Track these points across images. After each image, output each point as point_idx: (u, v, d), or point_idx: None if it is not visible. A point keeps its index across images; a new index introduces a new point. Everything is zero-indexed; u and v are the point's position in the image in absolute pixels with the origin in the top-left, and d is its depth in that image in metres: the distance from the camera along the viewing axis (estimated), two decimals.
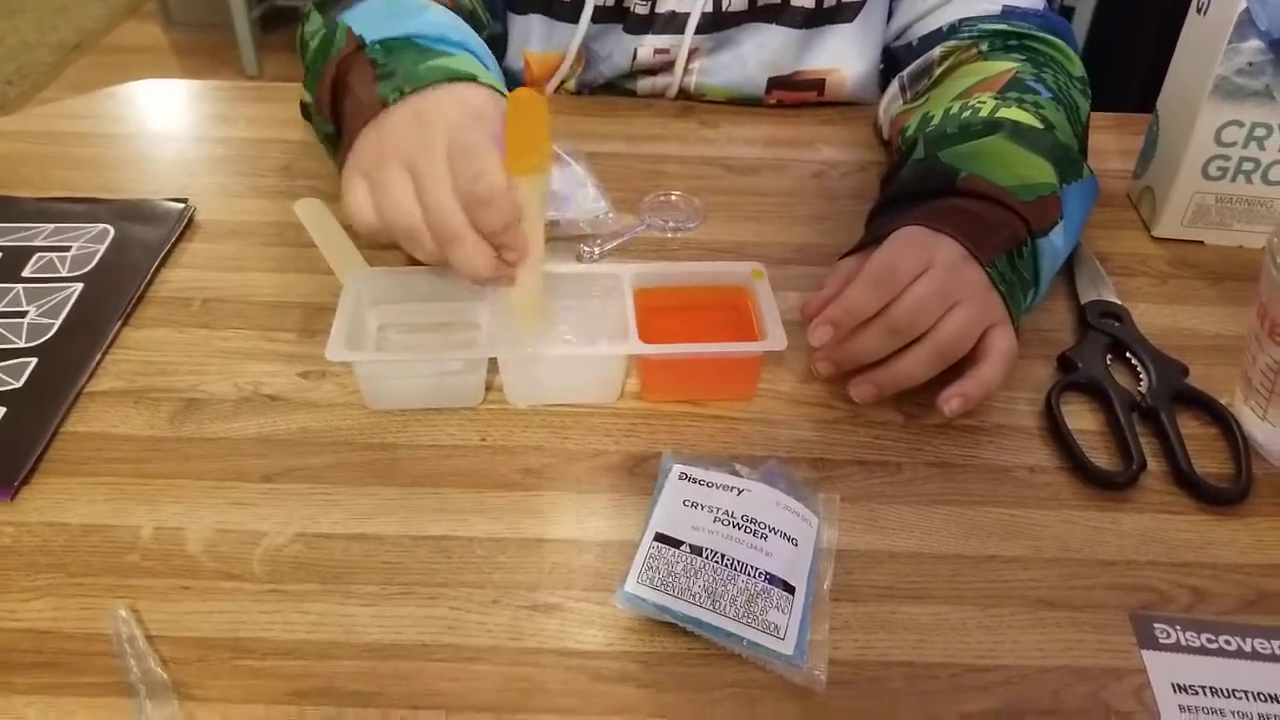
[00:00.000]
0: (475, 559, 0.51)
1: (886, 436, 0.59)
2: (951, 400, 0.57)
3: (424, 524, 0.53)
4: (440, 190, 0.53)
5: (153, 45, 3.15)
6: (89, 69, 3.01)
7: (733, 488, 0.52)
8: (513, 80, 0.92)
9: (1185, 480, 0.57)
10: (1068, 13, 1.22)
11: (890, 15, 0.90)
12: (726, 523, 0.50)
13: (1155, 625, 0.49)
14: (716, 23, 0.88)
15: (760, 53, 0.90)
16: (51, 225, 0.71)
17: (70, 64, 3.01)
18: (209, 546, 0.51)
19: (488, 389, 0.60)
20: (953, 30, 0.83)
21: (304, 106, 0.71)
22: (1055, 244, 0.65)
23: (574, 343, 0.61)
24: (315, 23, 0.73)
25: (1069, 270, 0.72)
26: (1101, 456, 0.58)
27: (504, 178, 0.52)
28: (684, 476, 0.53)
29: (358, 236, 0.70)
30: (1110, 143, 0.90)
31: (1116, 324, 0.67)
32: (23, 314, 0.63)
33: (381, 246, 0.67)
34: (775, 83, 0.92)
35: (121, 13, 3.30)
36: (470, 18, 0.82)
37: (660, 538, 0.50)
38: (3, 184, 0.77)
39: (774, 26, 0.89)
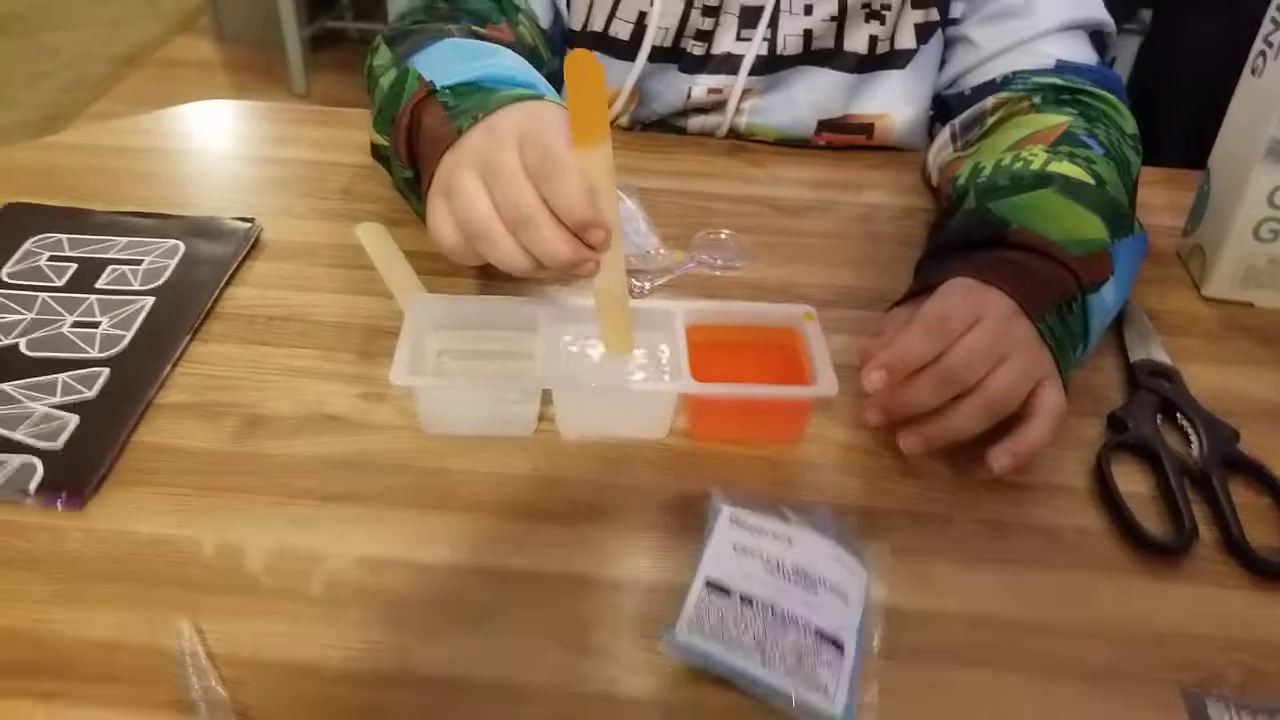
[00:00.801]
0: (525, 592, 0.52)
1: (935, 489, 0.60)
2: (1000, 457, 0.57)
3: (475, 553, 0.54)
4: (509, 176, 0.53)
5: (204, 60, 3.21)
6: (142, 81, 3.07)
7: (783, 535, 0.53)
8: None
9: (1238, 550, 0.57)
10: None
11: (943, 64, 0.91)
12: (777, 572, 0.51)
13: (1209, 703, 0.49)
14: (770, 65, 0.90)
15: (811, 95, 0.92)
16: (124, 239, 0.73)
17: (124, 76, 3.07)
18: (269, 566, 0.52)
19: (540, 419, 0.62)
20: (1006, 82, 0.84)
21: (375, 149, 0.73)
22: (1105, 300, 0.66)
23: (626, 377, 0.62)
24: (384, 57, 0.75)
25: (1117, 326, 0.72)
26: (1153, 521, 0.58)
27: (571, 152, 0.52)
28: (734, 520, 0.54)
29: (417, 261, 0.72)
30: (1158, 198, 0.91)
31: (1167, 384, 0.67)
32: (96, 324, 0.65)
33: (472, 272, 0.68)
34: (825, 125, 0.93)
35: (175, 27, 3.37)
36: (532, 54, 0.84)
37: (711, 584, 0.51)
38: (76, 195, 0.79)
39: (826, 70, 0.91)
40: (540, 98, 0.62)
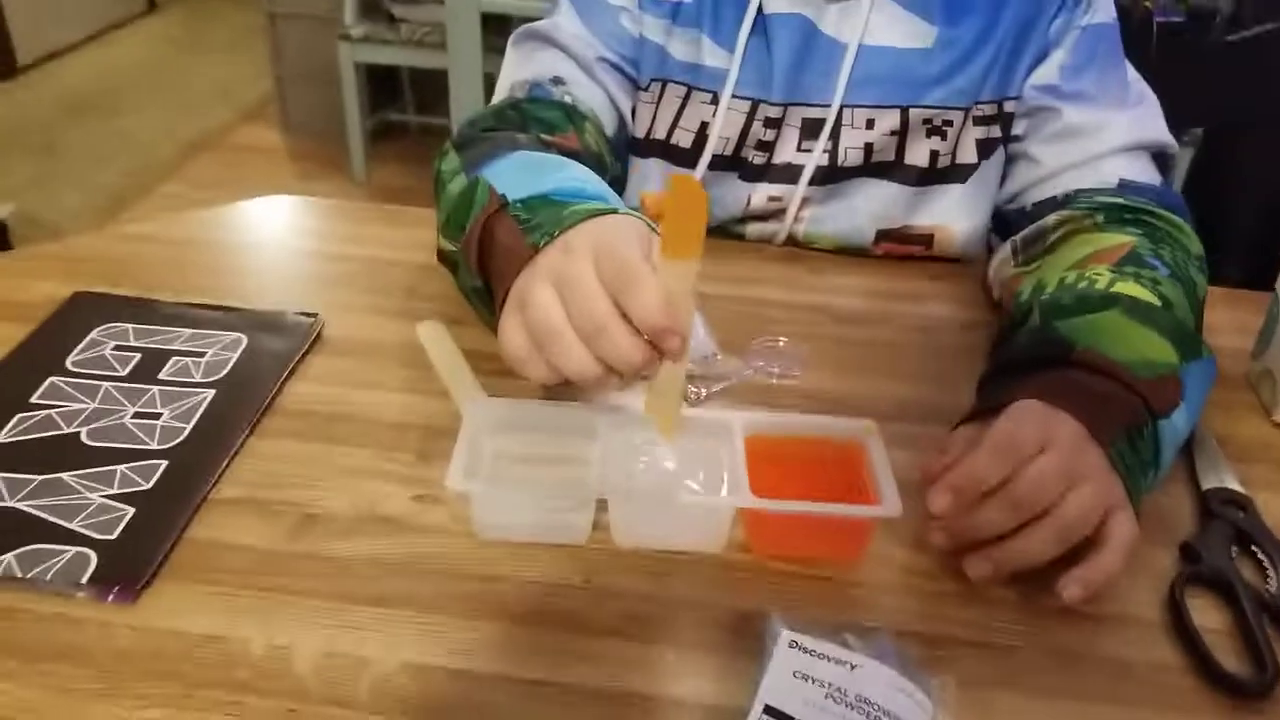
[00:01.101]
0: (575, 708, 0.51)
1: (1001, 617, 0.58)
2: (1071, 586, 0.55)
3: (525, 665, 0.53)
4: (584, 285, 0.53)
5: (270, 147, 3.31)
6: (208, 166, 3.17)
7: (845, 662, 0.51)
8: None
9: None
10: None
11: (1004, 179, 0.91)
12: (839, 701, 0.49)
13: None
14: (830, 175, 0.91)
15: (871, 205, 0.92)
16: (189, 330, 0.74)
17: (190, 160, 3.17)
18: (317, 669, 0.52)
19: (594, 527, 0.61)
20: (1068, 199, 0.84)
21: (442, 253, 0.74)
22: (1177, 426, 0.64)
23: (683, 488, 0.61)
24: (452, 163, 0.76)
25: (1187, 452, 0.71)
26: (1230, 658, 0.56)
27: (648, 263, 0.53)
28: (794, 645, 0.52)
29: (477, 362, 0.72)
30: (1223, 319, 0.89)
31: (1240, 513, 0.65)
32: (157, 416, 0.66)
33: (547, 392, 0.66)
34: (884, 235, 0.93)
35: (243, 116, 3.49)
36: (597, 161, 0.85)
37: (770, 711, 0.49)
38: (142, 285, 0.81)
39: (886, 182, 0.91)
40: (613, 211, 0.62)
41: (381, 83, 3.17)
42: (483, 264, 0.67)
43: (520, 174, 0.69)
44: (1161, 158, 0.87)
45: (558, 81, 0.88)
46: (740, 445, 0.61)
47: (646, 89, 0.92)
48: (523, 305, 0.57)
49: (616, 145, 0.92)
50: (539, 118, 0.84)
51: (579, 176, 0.69)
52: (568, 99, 0.87)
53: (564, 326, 0.54)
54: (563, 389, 0.59)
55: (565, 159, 0.74)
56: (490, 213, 0.65)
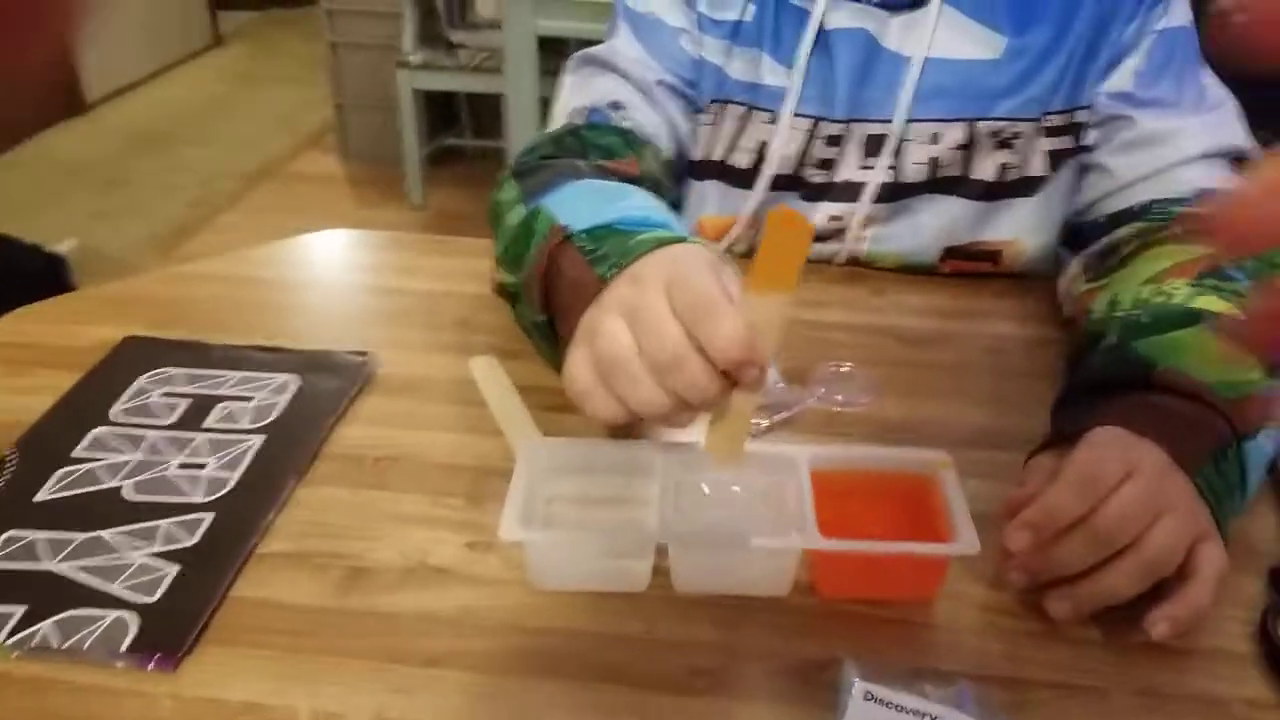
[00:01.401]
0: None
1: (1087, 656, 0.54)
2: (1159, 623, 0.52)
3: None
4: (657, 316, 0.51)
5: (329, 174, 3.35)
6: (268, 194, 3.22)
7: (923, 714, 0.48)
8: None
9: None
10: None
11: (1076, 190, 0.87)
12: None
13: None
14: (894, 193, 0.87)
15: (936, 222, 0.89)
16: (239, 374, 0.73)
17: (251, 189, 3.23)
18: None
19: (655, 571, 0.58)
20: (1143, 210, 0.80)
21: (500, 286, 0.72)
22: (1264, 448, 0.60)
23: (747, 530, 0.58)
24: (510, 192, 0.74)
25: (1272, 470, 0.66)
26: None
27: (725, 292, 0.51)
28: (869, 696, 0.49)
29: (531, 396, 0.71)
30: None
31: None
32: (202, 466, 0.65)
33: (609, 431, 0.63)
34: (950, 252, 0.90)
35: (304, 144, 3.54)
36: (656, 185, 0.83)
37: None
38: (195, 327, 0.80)
39: (953, 198, 0.87)
40: (680, 238, 0.60)
41: (439, 109, 3.19)
42: (547, 298, 0.64)
43: (582, 203, 0.66)
44: (1241, 163, 0.82)
45: (616, 106, 0.86)
46: (806, 481, 0.58)
47: (706, 111, 0.89)
48: (591, 337, 0.54)
49: (676, 169, 0.90)
50: (598, 144, 0.82)
51: (643, 205, 0.67)
52: (626, 124, 0.85)
53: (632, 356, 0.51)
54: (624, 429, 0.56)
55: (627, 186, 0.71)
56: (554, 244, 0.63)
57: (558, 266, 0.63)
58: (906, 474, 0.60)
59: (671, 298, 0.51)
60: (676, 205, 0.92)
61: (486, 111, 3.16)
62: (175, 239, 2.90)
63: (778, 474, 0.60)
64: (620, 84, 0.87)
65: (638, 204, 0.66)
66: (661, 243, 0.58)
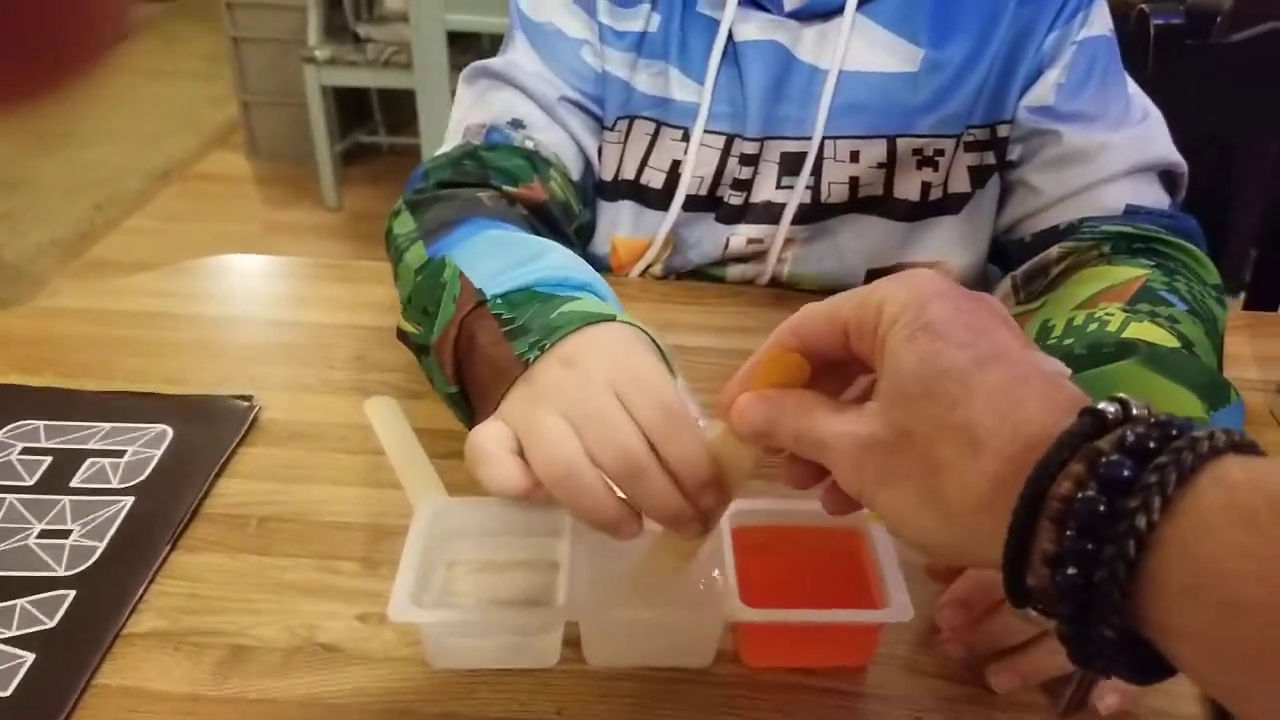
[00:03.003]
0: None
1: None
2: (1107, 696, 0.49)
3: None
4: (615, 423, 0.47)
5: (238, 175, 3.23)
6: (176, 197, 3.09)
7: None
8: (597, 265, 0.88)
9: None
10: None
11: (1001, 209, 0.84)
12: None
13: None
14: (814, 213, 0.84)
15: (858, 243, 0.85)
16: (108, 425, 0.66)
17: (158, 192, 3.09)
18: None
19: (566, 643, 0.53)
20: (1071, 229, 0.77)
21: (402, 334, 0.65)
22: None
23: (664, 600, 0.54)
24: (407, 225, 0.69)
25: None
26: None
27: (685, 407, 0.48)
28: None
29: (433, 442, 0.65)
30: (1244, 347, 0.83)
31: None
32: (66, 534, 0.58)
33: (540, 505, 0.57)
34: (874, 274, 0.86)
35: (211, 143, 3.41)
36: (564, 209, 0.78)
37: None
38: (65, 370, 0.73)
39: (875, 218, 0.84)
40: (609, 314, 0.55)
41: (350, 105, 3.09)
42: (459, 369, 0.59)
43: (494, 261, 0.60)
44: (1169, 177, 0.80)
45: (517, 125, 0.80)
46: (728, 540, 0.54)
47: (613, 128, 0.84)
48: (522, 431, 0.49)
49: (584, 190, 0.84)
50: (500, 167, 0.77)
51: (561, 264, 0.61)
52: (529, 144, 0.80)
53: (584, 465, 0.47)
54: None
55: (542, 241, 0.65)
56: (466, 312, 0.57)
57: (471, 336, 0.57)
58: (833, 528, 0.56)
59: (626, 402, 0.47)
60: (589, 229, 0.87)
61: (400, 107, 3.08)
62: (80, 244, 2.76)
63: None
64: (520, 99, 0.82)
65: (555, 264, 0.61)
66: (590, 319, 0.53)
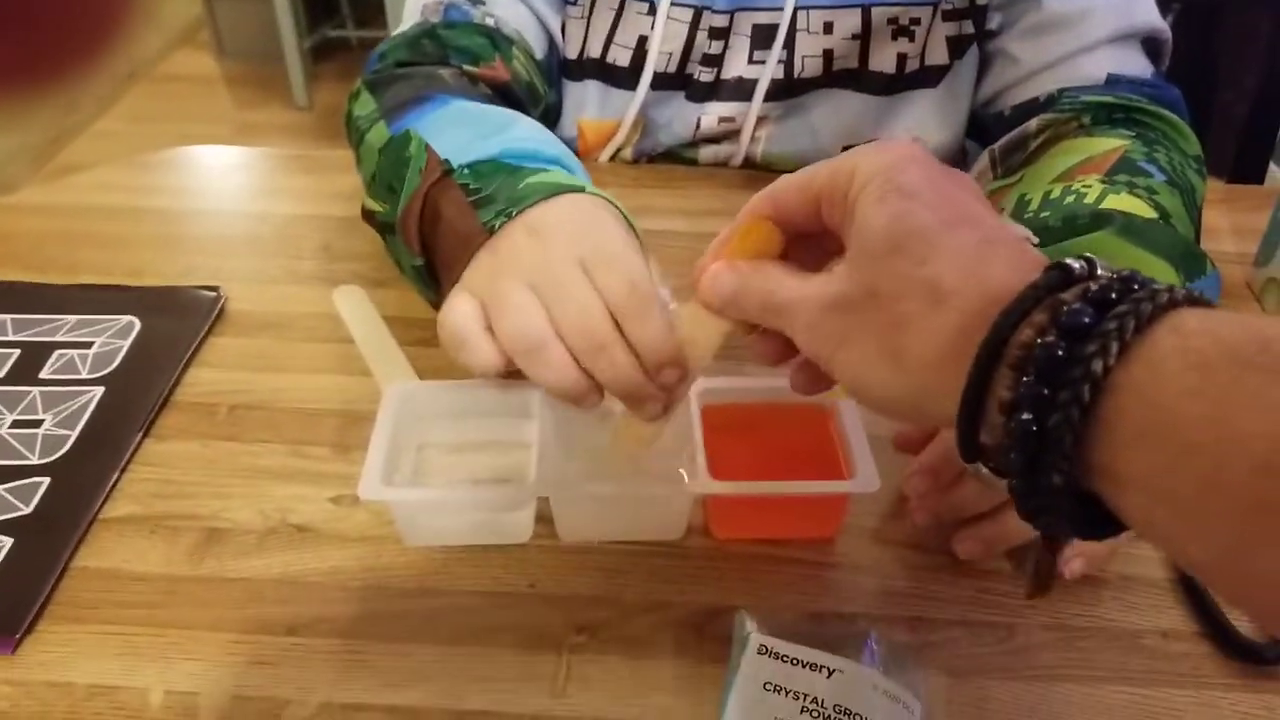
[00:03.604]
0: None
1: (994, 590, 0.52)
2: (1073, 561, 0.50)
3: (466, 693, 0.47)
4: (581, 298, 0.48)
5: (205, 75, 3.15)
6: (142, 98, 3.01)
7: (822, 667, 0.45)
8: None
9: None
10: None
11: (979, 81, 0.83)
12: (817, 715, 0.43)
13: None
14: (788, 89, 0.82)
15: (834, 120, 0.84)
16: (75, 317, 0.66)
17: (125, 93, 3.02)
18: (225, 717, 0.45)
19: (538, 519, 0.54)
20: (1051, 101, 0.76)
21: (368, 214, 0.65)
22: None
23: (634, 476, 0.54)
24: (367, 106, 0.67)
25: None
26: (1245, 621, 0.50)
27: (653, 285, 0.48)
28: (764, 650, 0.46)
29: (401, 330, 0.65)
30: (1221, 220, 0.82)
31: None
32: (38, 423, 0.58)
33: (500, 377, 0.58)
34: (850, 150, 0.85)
35: (175, 42, 3.31)
36: (528, 89, 0.76)
37: None
38: (28, 267, 0.72)
39: (850, 93, 0.82)
40: (577, 185, 0.54)
41: (317, 1, 3.00)
42: (424, 240, 0.58)
43: (461, 131, 0.60)
44: (1153, 44, 0.78)
45: (476, 1, 0.78)
46: (697, 418, 0.54)
47: (576, 2, 0.82)
48: (486, 300, 0.49)
49: (548, 70, 0.82)
50: (460, 46, 0.74)
51: (530, 135, 0.60)
52: (490, 21, 0.77)
53: (551, 338, 0.47)
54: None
55: (510, 112, 0.65)
56: (432, 182, 0.56)
57: (436, 207, 0.56)
58: (801, 405, 0.57)
59: (591, 275, 0.48)
60: (554, 111, 0.85)
61: (366, 4, 2.98)
62: (51, 147, 2.70)
63: None
64: None
65: (523, 135, 0.60)
66: (556, 189, 0.53)
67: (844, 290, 0.38)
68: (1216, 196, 0.84)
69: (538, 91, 0.79)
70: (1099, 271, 0.32)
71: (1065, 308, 0.31)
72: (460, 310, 0.50)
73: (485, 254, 0.52)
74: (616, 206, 0.55)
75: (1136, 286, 0.31)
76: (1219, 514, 0.27)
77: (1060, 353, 0.30)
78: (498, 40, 0.76)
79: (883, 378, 0.36)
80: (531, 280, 0.48)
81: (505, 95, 0.74)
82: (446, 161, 0.57)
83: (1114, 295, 0.30)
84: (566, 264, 0.48)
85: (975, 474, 0.34)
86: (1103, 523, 0.31)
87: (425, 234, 0.57)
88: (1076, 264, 0.32)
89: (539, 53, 0.80)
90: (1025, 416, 0.30)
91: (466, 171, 0.56)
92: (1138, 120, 0.73)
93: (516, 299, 0.48)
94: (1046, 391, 0.30)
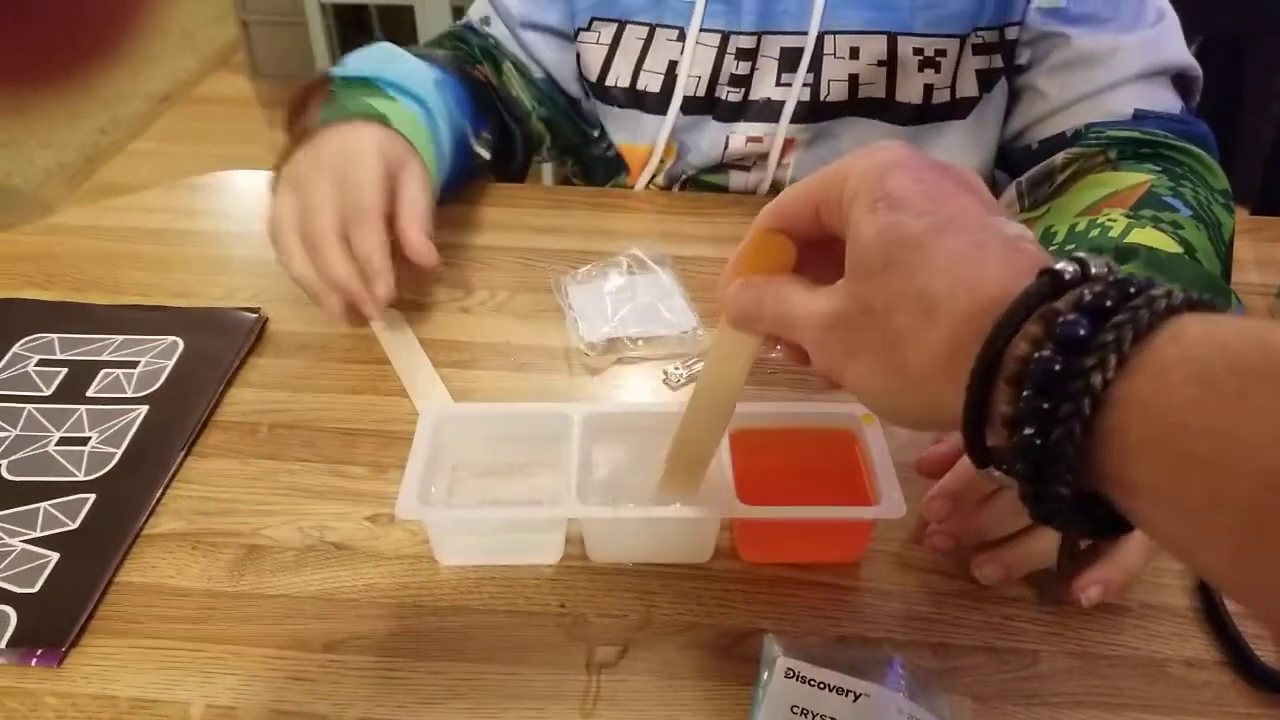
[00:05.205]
0: None
1: (1018, 617, 0.53)
2: (1089, 589, 0.51)
3: (497, 712, 0.48)
4: (314, 203, 0.63)
5: (240, 96, 3.20)
6: (178, 119, 3.06)
7: (848, 691, 0.46)
8: (617, 172, 0.92)
9: None
10: None
11: (1008, 114, 0.84)
12: None
13: None
14: (814, 112, 0.83)
15: (862, 148, 0.85)
16: (120, 337, 0.68)
17: (160, 115, 3.07)
18: None
19: (569, 540, 0.55)
20: (1078, 135, 0.77)
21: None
22: None
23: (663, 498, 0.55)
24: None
25: None
26: (1268, 651, 0.51)
27: (377, 204, 0.63)
28: (791, 674, 0.47)
29: (438, 352, 0.67)
30: (1244, 251, 0.82)
31: None
32: (84, 440, 0.60)
33: (494, 367, 0.68)
34: None
35: (211, 63, 3.37)
36: (514, 103, 0.89)
37: None
38: (74, 287, 0.74)
39: (877, 122, 0.83)
40: (380, 115, 0.69)
41: (350, 22, 3.04)
42: (291, 127, 0.74)
43: (368, 60, 0.76)
44: (1183, 81, 0.79)
45: (485, 23, 0.90)
46: (726, 442, 0.55)
47: (589, 28, 0.85)
48: (275, 203, 0.66)
49: (547, 94, 0.91)
50: (462, 50, 0.88)
51: (412, 72, 0.76)
52: (490, 40, 0.89)
53: (290, 230, 0.64)
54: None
55: (428, 56, 0.82)
56: (313, 84, 0.73)
57: (305, 101, 0.73)
58: (828, 430, 0.58)
59: (340, 192, 0.64)
60: (598, 140, 0.91)
61: (399, 24, 3.02)
62: (86, 167, 2.75)
63: None
64: (489, 9, 0.90)
65: (406, 70, 0.76)
66: (366, 115, 0.68)
67: (843, 307, 0.38)
68: (1242, 227, 0.84)
69: (523, 107, 0.89)
70: (1093, 272, 0.32)
71: (1060, 319, 0.30)
72: (280, 208, 0.66)
73: (303, 151, 0.67)
74: (411, 144, 0.69)
75: (1133, 291, 0.30)
76: (1227, 524, 0.27)
77: (1057, 367, 0.29)
78: (497, 56, 0.88)
79: (891, 391, 0.36)
80: (295, 183, 0.65)
81: (486, 95, 0.88)
82: (326, 73, 0.74)
83: (1110, 303, 0.30)
84: (319, 175, 0.64)
85: (988, 476, 0.34)
86: (1115, 522, 0.31)
87: (292, 121, 0.74)
88: (1069, 267, 0.31)
89: (534, 74, 0.89)
90: (1028, 431, 0.30)
91: (340, 81, 0.73)
92: (1164, 155, 0.74)
93: (280, 200, 0.65)
94: (1046, 406, 0.30)
